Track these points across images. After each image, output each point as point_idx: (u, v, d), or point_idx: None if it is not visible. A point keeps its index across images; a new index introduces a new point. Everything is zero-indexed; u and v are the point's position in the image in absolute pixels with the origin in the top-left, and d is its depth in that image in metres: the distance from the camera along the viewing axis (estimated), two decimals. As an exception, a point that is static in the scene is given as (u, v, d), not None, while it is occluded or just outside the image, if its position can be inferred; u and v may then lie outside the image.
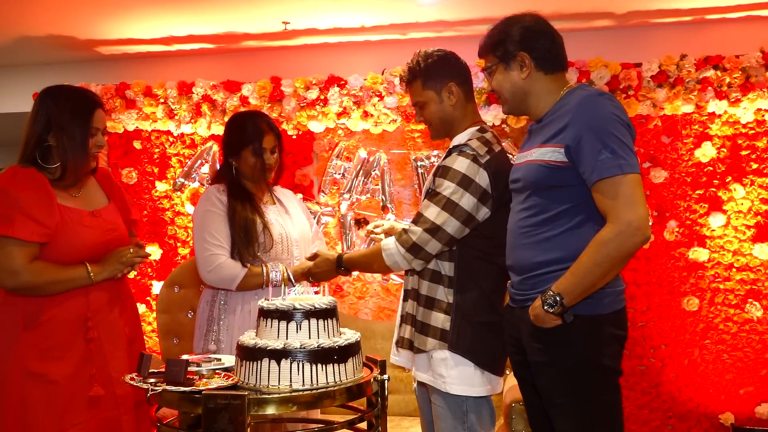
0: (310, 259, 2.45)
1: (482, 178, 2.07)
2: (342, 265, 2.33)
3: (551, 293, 1.80)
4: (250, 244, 2.47)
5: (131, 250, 2.26)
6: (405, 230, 2.11)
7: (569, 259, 1.82)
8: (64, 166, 2.16)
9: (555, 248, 1.87)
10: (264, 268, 2.47)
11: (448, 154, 2.15)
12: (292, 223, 2.64)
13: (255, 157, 2.56)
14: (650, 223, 1.79)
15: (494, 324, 2.11)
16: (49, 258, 2.14)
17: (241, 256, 2.46)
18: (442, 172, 2.11)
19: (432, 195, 2.11)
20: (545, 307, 1.80)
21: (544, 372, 1.90)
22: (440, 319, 2.10)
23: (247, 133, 2.57)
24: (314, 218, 3.65)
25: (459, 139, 2.20)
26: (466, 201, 2.06)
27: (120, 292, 2.31)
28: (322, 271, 2.39)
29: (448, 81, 2.20)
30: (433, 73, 2.21)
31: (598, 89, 2.00)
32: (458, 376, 2.08)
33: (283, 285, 2.28)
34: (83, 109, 2.18)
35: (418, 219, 2.11)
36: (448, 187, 2.07)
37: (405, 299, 2.24)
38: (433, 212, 2.07)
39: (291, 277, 2.42)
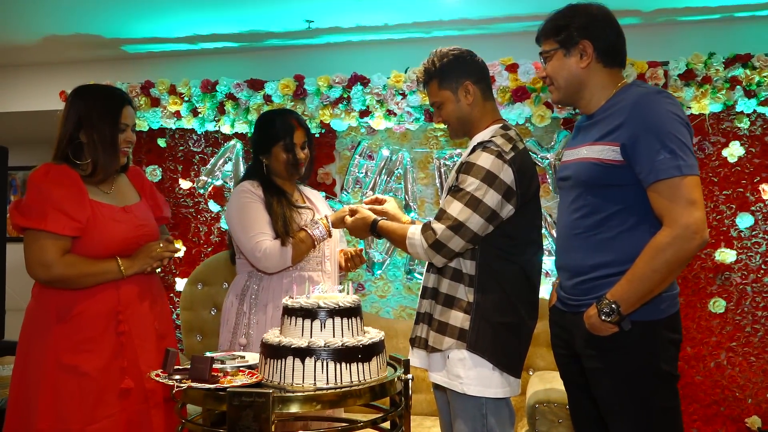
0: (351, 213, 2.43)
1: (507, 175, 2.04)
2: (376, 230, 2.30)
3: (607, 301, 1.77)
4: (288, 235, 2.48)
5: (161, 244, 2.31)
6: (429, 225, 2.08)
7: (624, 263, 1.78)
8: (95, 163, 2.22)
9: (609, 251, 1.83)
10: (307, 230, 2.50)
11: (472, 151, 2.12)
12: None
13: (286, 152, 2.57)
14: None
15: (514, 325, 2.09)
16: (81, 252, 2.19)
17: (282, 238, 2.48)
18: (466, 168, 2.07)
19: (455, 191, 2.07)
20: (602, 317, 1.77)
21: (602, 379, 1.86)
22: (459, 318, 2.07)
23: (277, 130, 2.58)
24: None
25: (481, 136, 2.17)
26: (491, 197, 2.02)
27: (151, 287, 2.35)
28: (357, 227, 2.37)
29: (464, 80, 2.18)
30: (449, 73, 2.19)
31: (655, 87, 1.94)
32: (476, 376, 2.05)
33: (307, 284, 2.29)
34: (112, 107, 2.24)
35: (441, 215, 2.07)
36: (472, 183, 2.03)
37: (423, 297, 2.22)
38: (456, 208, 2.03)
39: (331, 227, 2.51)
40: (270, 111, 2.81)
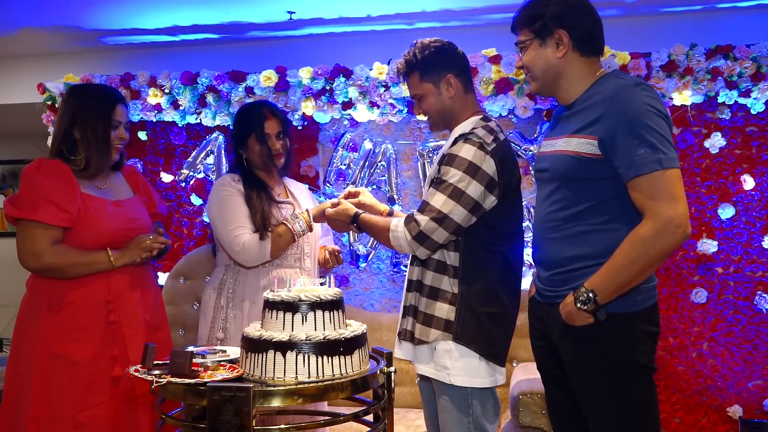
0: (332, 206, 2.41)
1: (489, 166, 2.04)
2: (356, 223, 2.30)
3: (584, 290, 1.76)
4: (266, 229, 2.48)
5: (151, 236, 2.39)
6: (412, 217, 2.08)
7: (599, 256, 1.78)
8: (88, 158, 2.33)
9: (585, 244, 1.83)
10: (286, 224, 2.48)
11: (454, 142, 2.11)
12: None
13: (259, 143, 2.55)
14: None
15: (499, 314, 2.10)
16: (73, 243, 2.28)
17: (260, 232, 2.48)
18: (448, 159, 2.07)
19: (438, 183, 2.07)
20: (578, 305, 1.76)
21: (578, 371, 1.86)
22: (445, 310, 2.08)
23: (250, 121, 2.58)
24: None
25: (462, 128, 2.16)
26: (473, 189, 2.02)
27: (143, 279, 2.41)
28: (338, 220, 2.36)
29: (446, 73, 2.17)
30: (431, 65, 2.18)
31: (634, 77, 1.91)
32: (463, 367, 2.06)
33: (288, 279, 2.28)
34: (105, 105, 2.35)
35: (424, 207, 2.07)
36: (454, 175, 2.03)
37: (408, 290, 2.22)
38: (439, 200, 2.03)
39: (312, 222, 2.50)
40: (245, 104, 2.80)
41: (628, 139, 1.72)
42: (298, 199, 2.69)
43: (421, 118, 3.47)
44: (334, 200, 2.45)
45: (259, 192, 2.53)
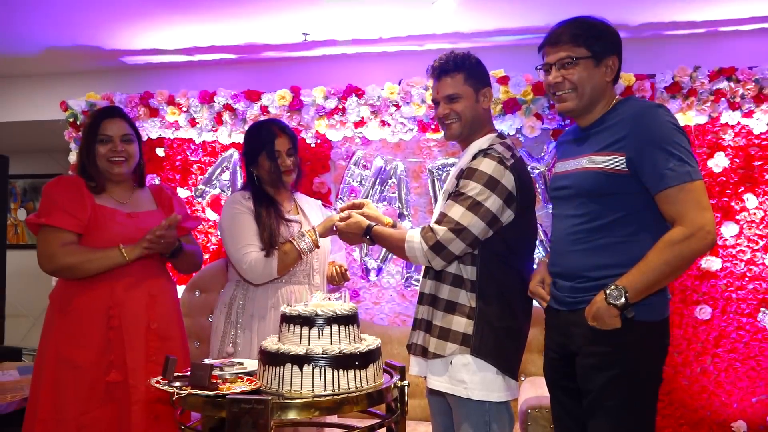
0: (342, 219, 2.41)
1: (508, 180, 2.06)
2: (370, 235, 2.29)
3: (614, 287, 1.83)
4: (273, 247, 2.52)
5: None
6: (430, 228, 2.09)
7: (624, 266, 1.85)
8: (88, 174, 2.50)
9: (611, 254, 1.90)
10: (293, 242, 2.51)
11: (474, 157, 2.13)
12: None
13: (269, 160, 2.59)
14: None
15: (513, 329, 2.12)
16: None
17: (267, 250, 2.51)
18: (468, 173, 2.09)
19: (456, 195, 2.09)
20: (609, 300, 1.82)
21: (597, 375, 1.90)
22: (462, 324, 2.08)
23: (260, 139, 2.61)
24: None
25: (479, 143, 2.19)
26: (492, 202, 2.04)
27: (153, 288, 2.48)
28: (350, 233, 2.36)
29: (486, 86, 2.23)
30: (477, 73, 2.22)
31: (650, 101, 2.01)
32: (480, 381, 2.06)
33: (304, 294, 2.33)
34: (91, 123, 2.52)
35: (442, 218, 2.07)
36: (474, 188, 2.05)
37: (420, 303, 2.22)
38: (457, 212, 2.05)
39: (318, 239, 2.52)
40: (255, 122, 2.84)
41: (659, 154, 1.82)
42: (308, 216, 2.72)
43: (433, 136, 3.52)
44: (343, 214, 2.46)
45: (268, 209, 2.57)
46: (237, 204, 2.58)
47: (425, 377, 2.22)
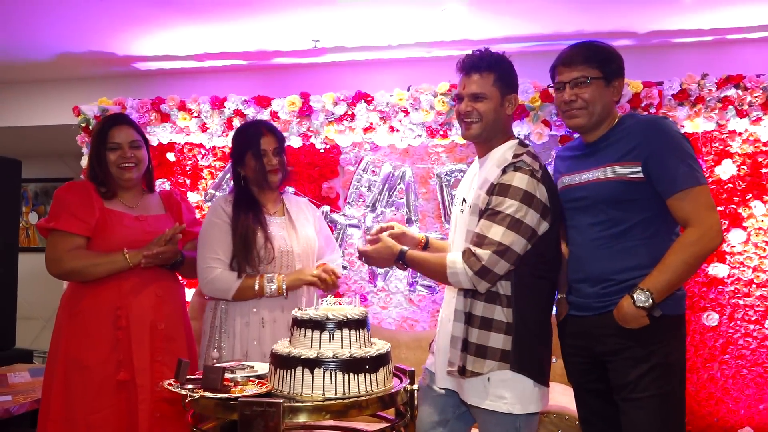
0: (371, 242, 2.26)
1: (542, 193, 2.03)
2: (403, 260, 2.17)
3: (639, 291, 1.94)
4: (248, 253, 2.47)
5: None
6: (472, 252, 2.00)
7: (647, 266, 1.98)
8: (98, 179, 2.55)
9: (634, 256, 2.01)
10: (258, 281, 2.46)
11: (503, 171, 2.05)
12: (297, 237, 2.59)
13: (255, 159, 2.55)
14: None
15: (546, 337, 2.12)
16: (93, 251, 2.46)
17: (240, 266, 2.48)
18: (500, 189, 2.02)
19: (492, 214, 2.01)
20: (637, 304, 1.93)
21: (633, 369, 1.98)
22: (500, 340, 2.02)
23: (246, 138, 2.60)
24: (339, 229, 3.74)
25: (502, 151, 2.13)
26: (531, 217, 1.99)
27: (159, 289, 2.51)
28: (381, 257, 2.20)
29: (514, 91, 2.17)
30: (508, 77, 2.15)
31: (651, 115, 2.12)
32: (520, 395, 2.02)
33: (315, 298, 2.32)
34: (99, 131, 2.57)
35: (482, 241, 1.99)
36: (511, 205, 1.99)
37: (454, 320, 2.11)
38: (498, 232, 1.98)
39: (285, 290, 2.47)
40: (243, 123, 2.83)
41: (671, 160, 1.97)
42: (295, 217, 2.66)
43: (441, 142, 3.51)
44: (328, 267, 2.50)
45: (246, 213, 2.53)
46: (215, 213, 2.56)
47: (455, 390, 2.15)
